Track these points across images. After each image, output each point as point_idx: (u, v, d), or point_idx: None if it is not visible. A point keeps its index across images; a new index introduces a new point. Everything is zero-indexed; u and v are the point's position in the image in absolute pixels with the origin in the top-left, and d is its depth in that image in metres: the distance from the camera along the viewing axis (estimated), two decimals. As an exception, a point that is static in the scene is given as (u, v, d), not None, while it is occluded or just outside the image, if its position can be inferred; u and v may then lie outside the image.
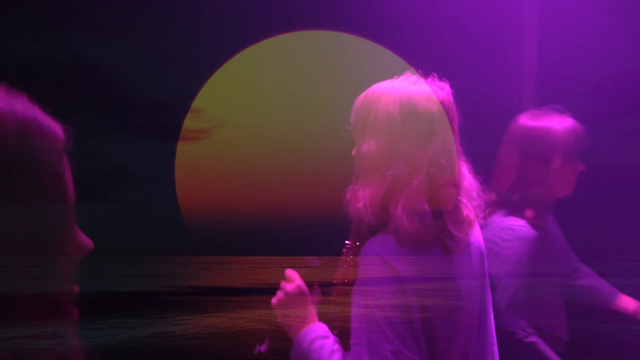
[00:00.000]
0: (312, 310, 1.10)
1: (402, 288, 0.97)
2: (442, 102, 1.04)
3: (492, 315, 1.13)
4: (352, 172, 1.10)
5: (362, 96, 1.09)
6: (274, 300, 1.13)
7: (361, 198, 1.03)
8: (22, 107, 0.46)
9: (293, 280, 1.13)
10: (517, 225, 1.50)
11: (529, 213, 1.52)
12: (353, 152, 1.11)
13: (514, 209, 1.53)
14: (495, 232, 1.50)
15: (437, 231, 1.01)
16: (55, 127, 0.49)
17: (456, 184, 1.04)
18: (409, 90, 1.04)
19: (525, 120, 1.56)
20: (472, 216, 1.07)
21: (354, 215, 1.05)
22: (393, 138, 1.03)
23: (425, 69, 1.09)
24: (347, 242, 1.12)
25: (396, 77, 1.08)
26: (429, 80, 1.07)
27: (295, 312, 1.09)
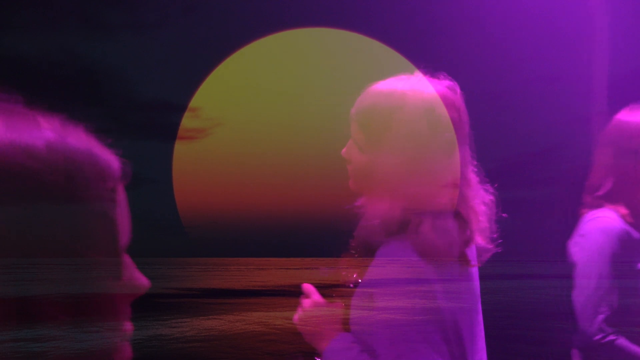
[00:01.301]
0: (335, 323, 1.07)
1: (432, 290, 0.96)
2: (459, 108, 1.02)
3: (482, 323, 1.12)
4: (347, 174, 1.07)
5: (371, 99, 1.03)
6: (295, 317, 1.09)
7: (379, 214, 1.00)
8: (75, 140, 0.43)
9: (311, 295, 1.09)
10: (605, 217, 1.44)
11: (622, 209, 1.47)
12: (346, 154, 1.07)
13: (606, 204, 1.48)
14: (583, 226, 1.46)
15: (462, 246, 1.00)
16: (113, 162, 0.45)
17: (475, 194, 1.03)
18: (431, 96, 1.00)
19: (619, 116, 1.54)
20: (487, 224, 1.05)
21: (367, 231, 1.02)
22: (418, 151, 0.99)
23: (431, 67, 1.07)
24: (352, 250, 1.08)
25: (403, 75, 1.04)
26: (441, 80, 1.03)
27: (318, 326, 1.07)
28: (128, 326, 0.47)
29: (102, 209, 0.43)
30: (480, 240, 1.03)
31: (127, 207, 0.45)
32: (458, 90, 1.03)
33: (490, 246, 1.05)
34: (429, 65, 1.08)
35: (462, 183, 1.02)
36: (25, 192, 0.39)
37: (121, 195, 0.45)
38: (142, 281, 0.47)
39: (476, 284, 1.06)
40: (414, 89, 1.01)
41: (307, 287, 1.10)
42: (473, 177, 1.04)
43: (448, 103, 1.01)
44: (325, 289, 1.12)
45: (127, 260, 0.46)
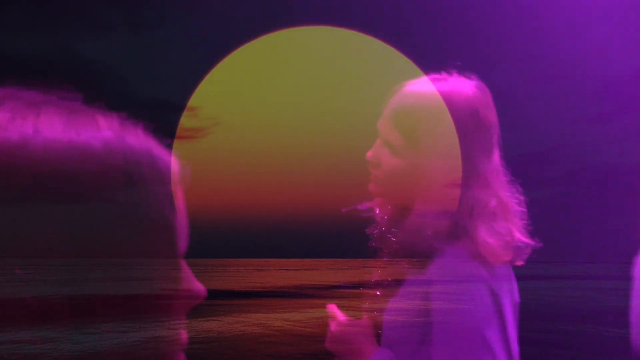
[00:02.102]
0: (368, 338, 1.03)
1: (493, 290, 0.95)
2: (493, 109, 1.02)
3: None
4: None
5: (412, 99, 1.01)
6: (326, 342, 1.06)
7: (429, 224, 0.98)
8: (134, 139, 0.41)
9: (336, 316, 1.06)
10: None
11: None
12: (373, 157, 1.04)
13: None
14: None
15: (514, 247, 0.99)
16: (171, 163, 0.43)
17: (511, 194, 1.02)
18: (473, 97, 1.00)
19: None
20: (525, 222, 1.05)
21: (413, 236, 1.00)
22: (466, 153, 0.98)
23: (430, 65, 1.07)
24: (384, 252, 1.06)
25: (436, 75, 1.03)
26: (472, 81, 1.03)
27: (352, 345, 1.03)
28: (184, 335, 0.47)
29: (160, 212, 0.42)
30: (522, 238, 1.02)
31: (185, 211, 0.44)
32: (487, 90, 1.03)
33: (531, 242, 1.03)
34: (429, 63, 1.08)
35: (501, 184, 1.02)
36: (82, 193, 0.38)
37: (180, 199, 0.44)
38: (200, 289, 0.46)
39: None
40: (457, 90, 1.00)
41: (331, 309, 1.07)
42: (505, 177, 1.05)
43: (483, 104, 1.01)
44: (353, 289, 1.10)
45: (184, 266, 0.45)
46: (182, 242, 0.45)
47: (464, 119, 0.98)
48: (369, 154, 1.05)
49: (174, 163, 0.43)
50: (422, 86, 1.02)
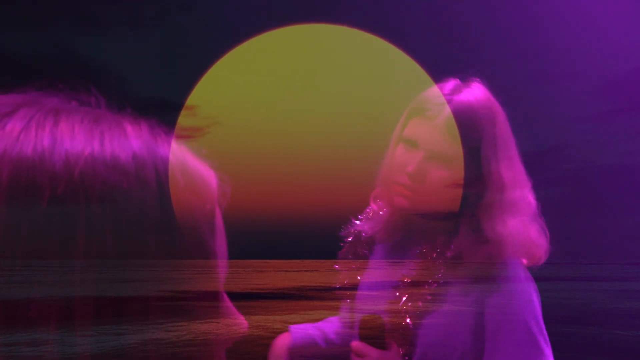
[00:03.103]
0: None
1: (537, 294, 1.00)
2: (503, 113, 1.06)
3: None
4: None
5: (470, 107, 1.00)
6: None
7: (513, 233, 0.98)
8: (167, 149, 0.36)
9: (365, 354, 0.99)
10: None
11: None
12: (419, 171, 1.00)
13: None
14: None
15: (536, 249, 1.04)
16: (209, 178, 0.39)
17: (528, 194, 1.07)
18: (486, 101, 1.03)
19: None
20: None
21: (470, 239, 1.00)
22: (515, 159, 1.03)
23: (431, 67, 1.08)
24: (432, 254, 1.05)
25: (458, 81, 1.04)
26: (477, 84, 1.05)
27: None
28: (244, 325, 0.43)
29: (197, 233, 0.39)
30: (541, 240, 1.07)
31: (224, 232, 0.40)
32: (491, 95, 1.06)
33: (549, 245, 1.07)
34: (430, 64, 1.09)
35: (521, 187, 1.05)
36: (114, 211, 0.34)
37: (219, 218, 0.40)
38: (242, 324, 0.43)
39: None
40: (490, 95, 1.03)
41: (357, 347, 1.00)
42: (524, 179, 1.09)
43: (497, 108, 1.05)
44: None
45: (224, 296, 0.43)
46: (222, 268, 0.42)
47: (486, 125, 1.00)
48: (412, 169, 1.00)
49: (213, 178, 0.38)
50: (467, 94, 1.02)
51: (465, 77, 1.06)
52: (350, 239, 1.14)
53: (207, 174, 0.39)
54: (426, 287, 1.00)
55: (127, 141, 0.36)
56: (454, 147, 0.99)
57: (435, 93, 1.02)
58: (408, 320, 1.00)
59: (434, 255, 1.02)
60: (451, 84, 1.04)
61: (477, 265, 0.98)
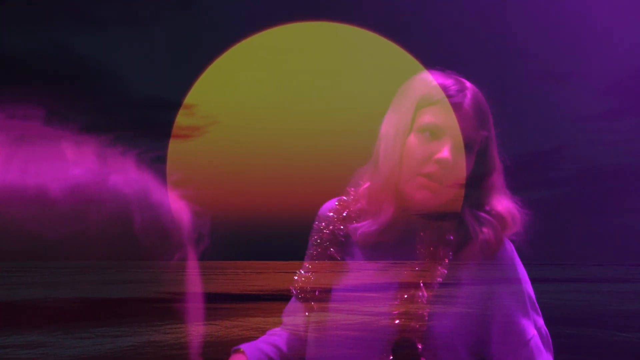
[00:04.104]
0: None
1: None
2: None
3: None
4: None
5: (478, 92, 1.03)
6: None
7: (510, 209, 1.03)
8: (121, 176, 0.32)
9: None
10: None
11: None
12: (454, 158, 1.00)
13: None
14: None
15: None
16: (180, 212, 0.36)
17: None
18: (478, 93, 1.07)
19: None
20: None
21: (493, 232, 1.01)
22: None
23: (432, 64, 1.07)
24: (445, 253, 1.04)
25: (442, 71, 1.04)
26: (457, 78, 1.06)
27: None
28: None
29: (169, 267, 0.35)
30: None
31: (198, 270, 0.37)
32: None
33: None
34: (430, 62, 1.09)
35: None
36: (90, 246, 0.32)
37: (191, 255, 0.36)
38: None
39: None
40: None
41: None
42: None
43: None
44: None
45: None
46: (197, 307, 0.39)
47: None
48: (449, 155, 0.99)
49: (186, 213, 0.34)
50: (466, 82, 1.04)
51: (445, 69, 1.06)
52: (324, 239, 1.10)
53: (176, 207, 0.35)
54: (431, 287, 0.99)
55: (65, 169, 0.31)
56: (480, 133, 1.00)
57: (447, 80, 1.02)
58: (419, 320, 0.98)
59: (436, 253, 1.01)
60: (448, 72, 1.04)
61: (477, 259, 1.00)
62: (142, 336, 8.39)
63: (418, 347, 0.95)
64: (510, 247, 1.04)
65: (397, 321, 0.97)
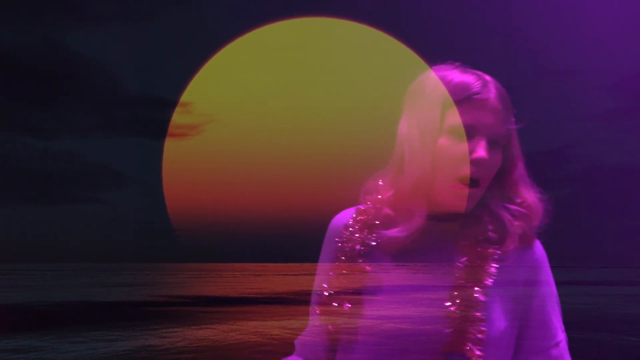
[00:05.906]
0: None
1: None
2: None
3: None
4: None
5: (498, 84, 1.02)
6: None
7: (537, 201, 1.03)
8: None
9: None
10: None
11: None
12: (491, 155, 0.99)
13: None
14: None
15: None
16: None
17: None
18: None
19: None
20: None
21: (527, 230, 1.02)
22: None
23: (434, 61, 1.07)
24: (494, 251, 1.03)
25: (453, 64, 1.02)
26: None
27: None
28: None
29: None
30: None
31: None
32: None
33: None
34: (431, 58, 1.08)
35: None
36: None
37: None
38: None
39: None
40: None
41: None
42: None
43: None
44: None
45: None
46: None
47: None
48: (485, 154, 0.97)
49: None
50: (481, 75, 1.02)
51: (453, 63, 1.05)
52: (347, 252, 1.07)
53: None
54: (485, 288, 0.98)
55: None
56: (507, 126, 0.99)
57: (468, 76, 0.99)
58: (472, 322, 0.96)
59: (483, 252, 1.00)
60: (461, 67, 1.03)
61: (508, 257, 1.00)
62: (137, 340, 8.38)
63: (475, 354, 0.93)
64: (541, 246, 1.04)
65: (449, 329, 0.94)
